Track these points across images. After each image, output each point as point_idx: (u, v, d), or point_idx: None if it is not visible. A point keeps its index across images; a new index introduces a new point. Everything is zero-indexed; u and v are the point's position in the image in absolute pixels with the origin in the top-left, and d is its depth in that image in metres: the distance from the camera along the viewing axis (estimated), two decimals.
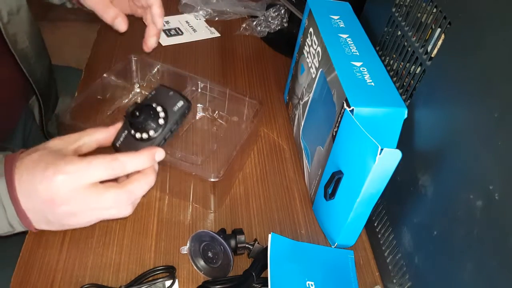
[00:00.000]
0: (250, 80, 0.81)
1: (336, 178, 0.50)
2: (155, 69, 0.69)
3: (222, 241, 0.49)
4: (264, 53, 0.89)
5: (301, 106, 0.66)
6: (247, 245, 0.52)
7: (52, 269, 0.49)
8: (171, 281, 0.49)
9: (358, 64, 0.52)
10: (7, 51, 0.66)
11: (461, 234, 0.38)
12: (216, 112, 0.69)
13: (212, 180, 0.52)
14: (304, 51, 0.65)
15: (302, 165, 0.65)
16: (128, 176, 0.45)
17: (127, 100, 0.70)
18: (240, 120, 0.67)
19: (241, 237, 0.52)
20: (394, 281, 0.50)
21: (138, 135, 0.47)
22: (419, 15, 0.49)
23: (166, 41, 0.87)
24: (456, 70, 0.41)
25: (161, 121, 0.47)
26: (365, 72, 0.51)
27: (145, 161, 0.45)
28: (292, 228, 0.58)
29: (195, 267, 0.51)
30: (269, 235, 0.50)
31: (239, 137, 0.59)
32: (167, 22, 0.92)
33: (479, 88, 0.37)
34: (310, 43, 0.62)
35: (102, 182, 0.43)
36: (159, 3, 0.62)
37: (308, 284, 0.49)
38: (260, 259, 0.50)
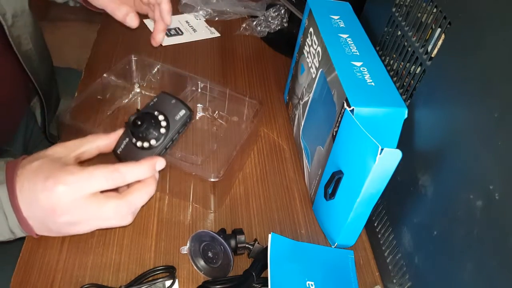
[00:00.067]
0: (250, 80, 0.81)
1: (336, 178, 0.50)
2: (155, 69, 0.69)
3: (222, 241, 0.49)
4: (264, 53, 0.89)
5: (301, 106, 0.66)
6: (247, 245, 0.52)
7: (52, 269, 0.49)
8: (171, 281, 0.49)
9: (358, 64, 0.52)
10: (11, 52, 0.66)
11: (461, 234, 0.38)
12: (216, 112, 0.69)
13: (212, 180, 0.52)
14: (304, 51, 0.65)
15: (302, 165, 0.65)
16: (128, 185, 0.45)
17: (127, 100, 0.70)
18: (240, 120, 0.67)
19: (241, 237, 0.52)
20: (394, 281, 0.50)
21: (139, 143, 0.47)
22: (419, 15, 0.49)
23: (166, 41, 0.87)
24: (456, 70, 0.41)
25: (162, 130, 0.47)
26: (365, 72, 0.51)
27: (145, 171, 0.45)
28: (292, 228, 0.58)
29: (195, 267, 0.51)
30: (269, 235, 0.50)
31: (239, 137, 0.59)
32: None
33: (479, 88, 0.37)
34: (310, 43, 0.62)
35: (102, 191, 0.43)
36: None
37: (308, 284, 0.49)
38: (260, 259, 0.50)
